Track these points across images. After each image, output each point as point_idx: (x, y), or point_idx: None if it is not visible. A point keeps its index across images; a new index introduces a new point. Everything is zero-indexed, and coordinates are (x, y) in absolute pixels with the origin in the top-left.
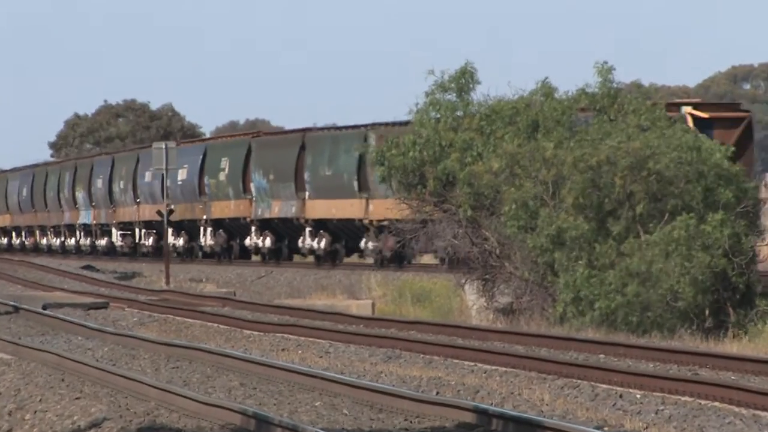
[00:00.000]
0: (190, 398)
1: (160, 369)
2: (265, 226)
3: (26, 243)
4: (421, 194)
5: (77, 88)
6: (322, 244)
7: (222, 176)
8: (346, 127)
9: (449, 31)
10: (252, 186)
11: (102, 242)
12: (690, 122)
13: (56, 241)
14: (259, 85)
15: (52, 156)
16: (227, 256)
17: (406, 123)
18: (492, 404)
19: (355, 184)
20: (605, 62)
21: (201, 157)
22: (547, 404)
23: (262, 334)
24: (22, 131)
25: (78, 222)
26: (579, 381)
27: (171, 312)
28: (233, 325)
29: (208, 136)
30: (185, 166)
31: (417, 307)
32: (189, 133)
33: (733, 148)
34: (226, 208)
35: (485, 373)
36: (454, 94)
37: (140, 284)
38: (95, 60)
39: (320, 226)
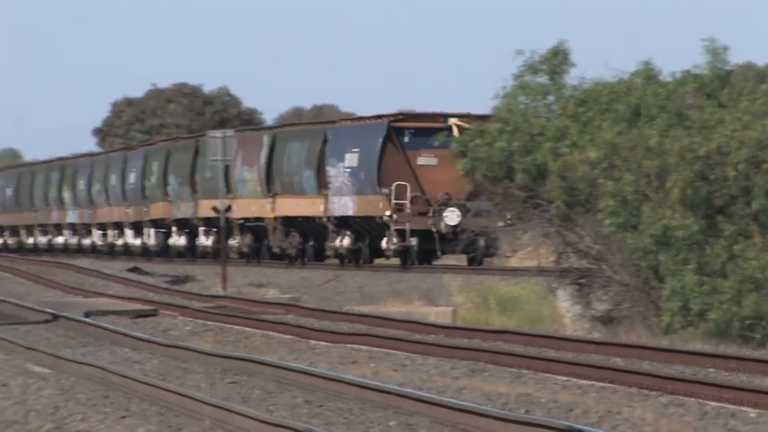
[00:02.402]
0: (249, 417)
1: (216, 384)
2: (180, 225)
3: (9, 242)
4: (509, 188)
5: (124, 72)
6: (209, 242)
7: (154, 179)
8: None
9: (538, 5)
10: (169, 189)
11: (87, 241)
12: (456, 132)
13: (44, 240)
14: (326, 67)
15: (96, 145)
16: (165, 254)
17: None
18: (587, 424)
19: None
20: (713, 40)
21: (142, 161)
22: (649, 424)
23: (330, 344)
24: (67, 119)
25: (65, 221)
26: (685, 398)
27: (228, 320)
28: (298, 335)
29: (270, 123)
30: (133, 170)
31: (503, 315)
32: (247, 119)
33: None
34: (158, 210)
35: (580, 388)
36: (546, 77)
37: (194, 289)
38: (143, 40)
39: (210, 224)
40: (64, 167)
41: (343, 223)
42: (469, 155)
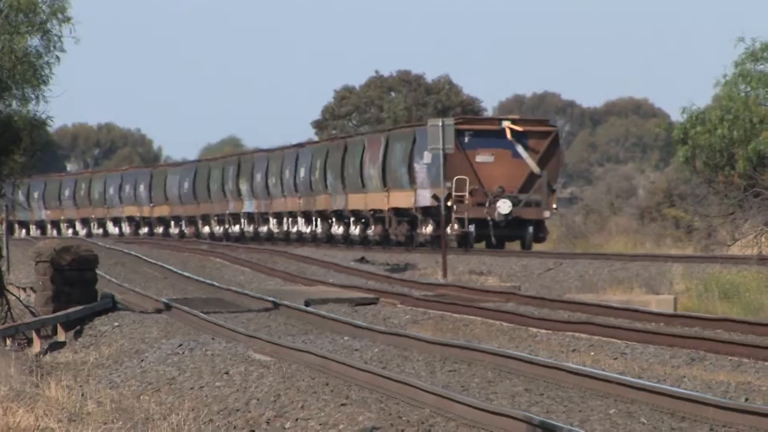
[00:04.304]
0: (469, 405)
1: (436, 372)
2: (338, 216)
3: (186, 231)
4: (729, 176)
5: (346, 61)
6: (357, 231)
7: (317, 174)
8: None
9: None
10: (328, 183)
11: (263, 229)
12: (509, 134)
13: (220, 229)
14: (549, 53)
15: (315, 134)
16: (329, 241)
17: (342, 137)
18: None
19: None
20: None
21: (310, 158)
22: None
23: (550, 333)
24: (291, 107)
25: (242, 211)
26: None
27: (448, 308)
28: (518, 323)
29: (490, 112)
30: (303, 165)
31: (725, 303)
32: (468, 109)
33: None
34: (321, 201)
35: None
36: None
37: (414, 277)
38: (365, 29)
39: (355, 215)
40: (241, 162)
41: (427, 212)
42: (689, 143)
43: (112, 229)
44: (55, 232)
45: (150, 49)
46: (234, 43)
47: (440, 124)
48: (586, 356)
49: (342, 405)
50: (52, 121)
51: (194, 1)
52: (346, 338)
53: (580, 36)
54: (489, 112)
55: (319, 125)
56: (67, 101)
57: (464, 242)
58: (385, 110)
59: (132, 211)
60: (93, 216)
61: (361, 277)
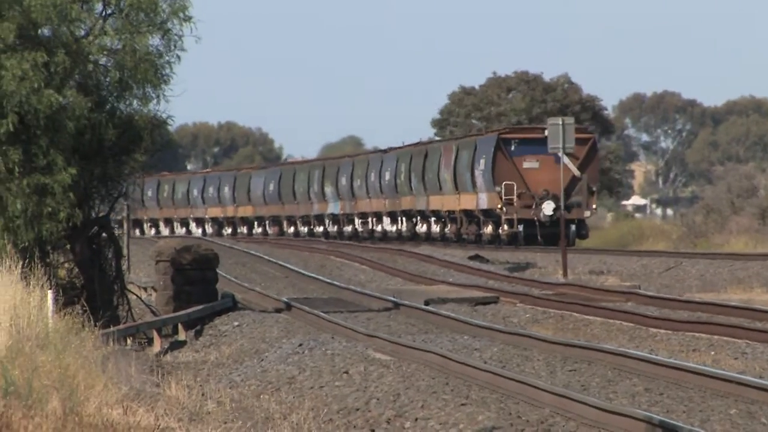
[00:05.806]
0: (589, 405)
1: (556, 372)
2: (422, 215)
3: (269, 231)
4: None
5: (464, 61)
6: (437, 229)
7: (402, 177)
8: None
9: None
10: (412, 185)
11: (348, 228)
12: None
13: (305, 229)
14: (670, 52)
15: (435, 134)
16: (413, 238)
17: (424, 143)
18: None
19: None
20: None
21: (395, 162)
22: None
23: (670, 332)
24: (410, 108)
25: (326, 212)
26: None
27: (568, 308)
28: (637, 323)
29: (610, 111)
30: (388, 169)
31: None
32: (588, 107)
33: None
34: (406, 202)
35: None
36: None
37: (534, 276)
38: (483, 29)
39: (435, 215)
40: (326, 166)
41: (486, 213)
42: None
43: (195, 230)
44: (137, 231)
45: (273, 48)
46: (357, 43)
47: (560, 122)
48: (707, 356)
49: (462, 405)
50: (172, 120)
51: (319, 1)
52: (465, 338)
53: (702, 35)
54: (609, 111)
55: (438, 124)
56: (188, 100)
57: (514, 241)
58: (504, 106)
59: (215, 212)
60: (176, 216)
61: (482, 277)
